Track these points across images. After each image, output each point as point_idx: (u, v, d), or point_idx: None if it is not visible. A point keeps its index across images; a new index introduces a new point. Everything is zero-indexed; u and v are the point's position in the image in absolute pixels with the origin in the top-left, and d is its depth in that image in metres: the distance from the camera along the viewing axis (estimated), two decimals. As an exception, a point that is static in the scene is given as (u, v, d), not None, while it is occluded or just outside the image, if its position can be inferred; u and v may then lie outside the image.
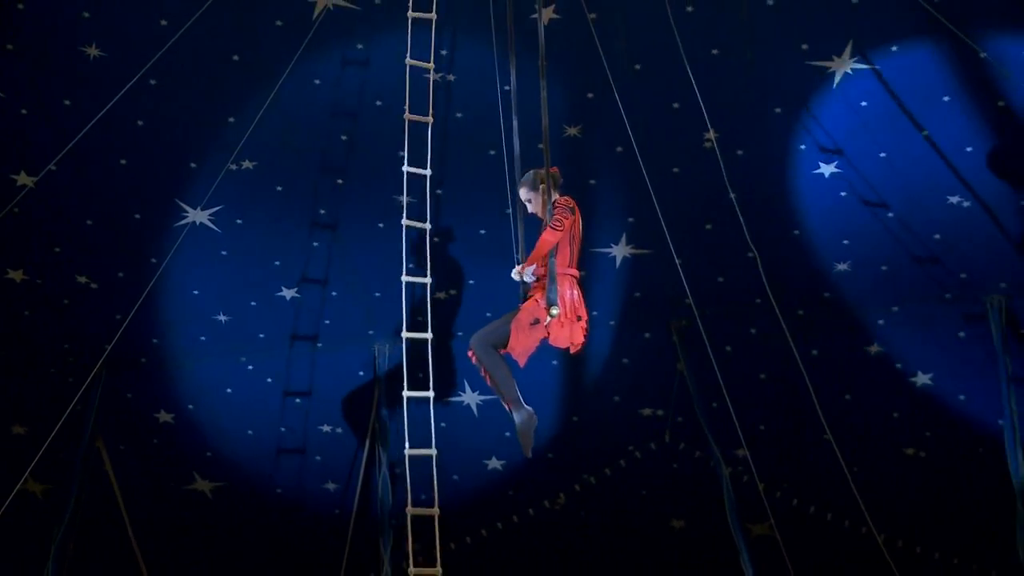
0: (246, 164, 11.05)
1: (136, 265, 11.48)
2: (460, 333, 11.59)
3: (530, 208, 8.46)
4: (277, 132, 10.84)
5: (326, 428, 12.35)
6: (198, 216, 11.30)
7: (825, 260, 11.26)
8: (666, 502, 12.59)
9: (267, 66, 10.57)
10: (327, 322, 11.97)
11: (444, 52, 10.42)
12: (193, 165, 11.13)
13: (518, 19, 9.54)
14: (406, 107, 8.90)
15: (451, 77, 10.67)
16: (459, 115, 10.69)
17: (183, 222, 11.30)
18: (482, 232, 11.30)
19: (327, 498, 12.60)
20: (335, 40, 10.57)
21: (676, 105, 10.59)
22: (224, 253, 11.58)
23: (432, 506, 8.28)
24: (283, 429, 12.39)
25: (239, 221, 11.43)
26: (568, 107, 10.79)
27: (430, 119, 8.74)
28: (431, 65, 8.85)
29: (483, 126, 10.43)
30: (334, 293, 11.82)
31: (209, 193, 11.04)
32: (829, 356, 11.47)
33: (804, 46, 10.32)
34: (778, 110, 10.65)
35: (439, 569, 8.20)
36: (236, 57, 10.66)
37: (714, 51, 10.40)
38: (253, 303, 11.84)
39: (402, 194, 11.10)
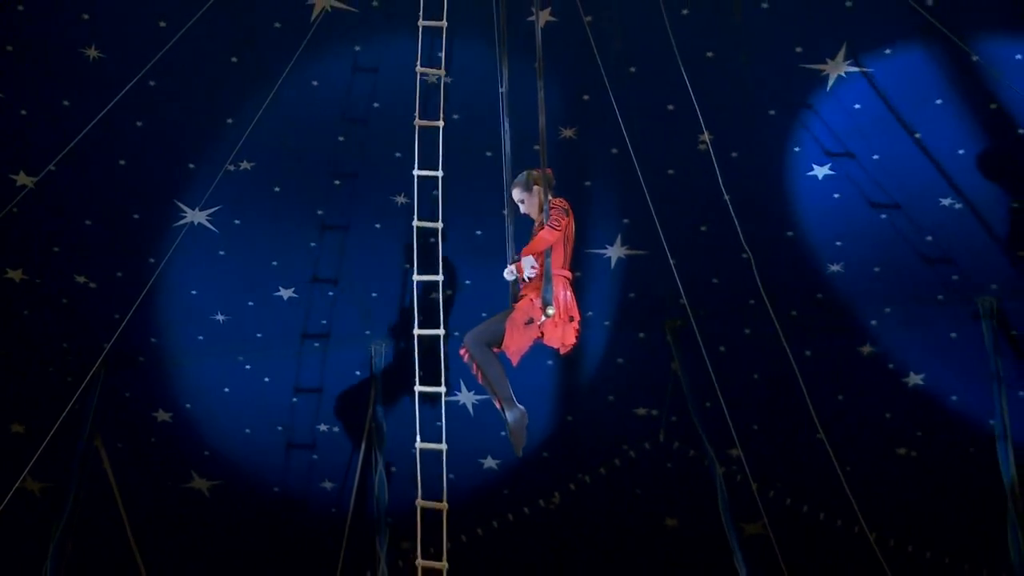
0: (244, 165, 11.07)
1: (135, 265, 11.50)
2: (456, 333, 11.57)
3: (523, 209, 8.46)
4: (275, 133, 10.86)
5: (323, 427, 12.37)
6: (196, 216, 11.32)
7: (818, 261, 11.28)
8: (660, 501, 12.61)
9: (265, 68, 10.59)
10: (324, 322, 11.99)
11: (440, 54, 10.43)
12: (191, 166, 11.15)
13: (515, 22, 9.59)
14: (416, 113, 8.90)
15: (448, 79, 10.71)
16: (455, 116, 10.74)
17: (181, 222, 11.32)
18: (478, 233, 11.34)
19: (324, 496, 12.62)
20: (333, 42, 10.57)
21: (671, 107, 10.62)
22: (222, 253, 11.60)
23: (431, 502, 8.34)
24: (280, 428, 12.41)
25: (237, 221, 11.45)
26: (564, 109, 10.79)
27: (441, 123, 8.77)
28: (442, 72, 8.87)
29: (480, 128, 10.45)
30: (331, 293, 11.84)
31: (207, 194, 11.04)
32: (822, 356, 11.50)
33: (798, 49, 10.33)
34: (772, 112, 10.67)
35: (445, 563, 8.24)
36: (235, 58, 10.67)
37: (709, 54, 10.42)
38: (251, 303, 11.86)
39: (399, 194, 11.23)
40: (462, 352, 8.15)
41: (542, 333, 8.10)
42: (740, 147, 10.82)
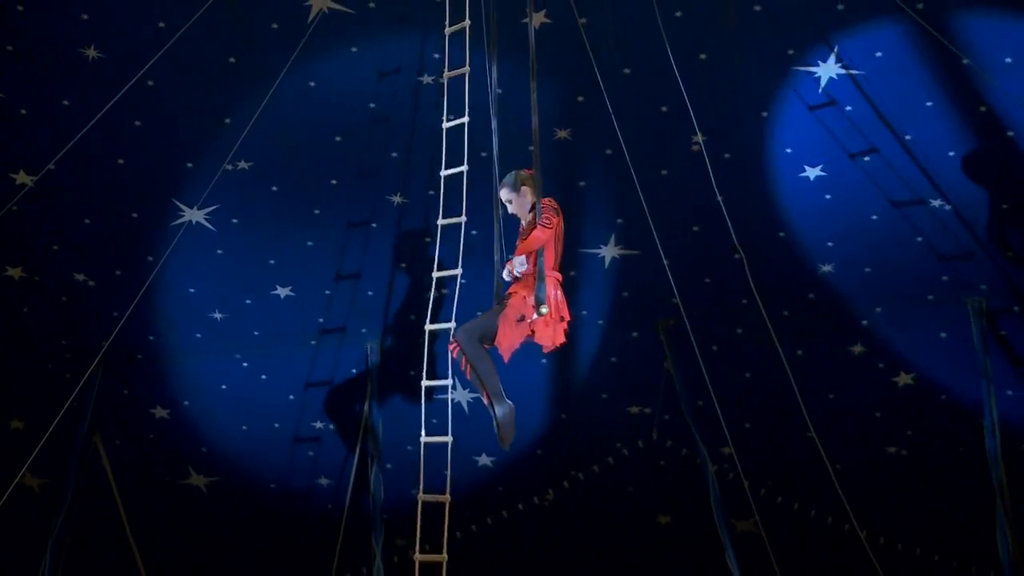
0: (242, 164, 11.11)
1: (133, 263, 11.53)
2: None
3: (511, 209, 8.51)
4: (273, 133, 10.88)
5: (319, 424, 12.40)
6: (194, 215, 11.35)
7: (810, 262, 11.29)
8: (653, 499, 12.64)
9: (263, 68, 10.62)
10: (320, 320, 12.03)
11: (436, 56, 10.48)
12: (190, 165, 11.18)
13: (510, 23, 9.66)
14: (443, 116, 8.94)
15: (443, 80, 10.74)
16: (451, 117, 10.77)
17: (179, 221, 11.35)
18: (473, 233, 11.36)
19: (320, 493, 12.65)
20: (330, 42, 10.60)
21: (664, 108, 10.64)
22: (220, 252, 11.63)
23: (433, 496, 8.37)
24: (277, 425, 12.44)
25: (235, 220, 11.48)
26: (558, 110, 10.82)
27: (466, 119, 8.80)
28: (467, 69, 8.87)
29: (475, 128, 10.50)
30: (327, 291, 11.89)
31: (205, 193, 11.08)
32: (813, 356, 11.51)
33: (790, 51, 10.37)
34: (764, 114, 10.69)
35: (445, 556, 8.25)
36: (233, 59, 10.71)
37: (702, 56, 10.46)
38: (248, 301, 11.88)
39: (395, 194, 11.28)
40: (451, 347, 8.17)
41: (533, 331, 8.16)
42: (733, 148, 10.85)
